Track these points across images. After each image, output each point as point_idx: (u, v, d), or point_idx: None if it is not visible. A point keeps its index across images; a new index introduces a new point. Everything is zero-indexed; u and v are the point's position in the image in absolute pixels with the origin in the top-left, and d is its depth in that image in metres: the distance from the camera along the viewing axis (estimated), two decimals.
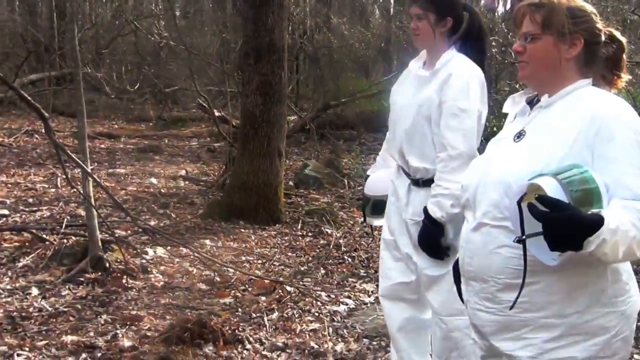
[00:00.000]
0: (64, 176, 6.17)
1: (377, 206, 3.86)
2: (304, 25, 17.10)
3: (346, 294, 5.68)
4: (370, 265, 6.44)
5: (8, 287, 5.41)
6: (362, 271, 6.29)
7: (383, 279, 3.81)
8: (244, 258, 6.51)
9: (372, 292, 5.72)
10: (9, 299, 5.18)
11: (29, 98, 5.95)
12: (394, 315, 3.79)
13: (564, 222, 1.92)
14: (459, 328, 3.40)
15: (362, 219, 4.18)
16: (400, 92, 3.67)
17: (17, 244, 6.33)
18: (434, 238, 3.36)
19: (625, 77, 2.40)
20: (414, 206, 3.52)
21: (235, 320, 4.98)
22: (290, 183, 9.59)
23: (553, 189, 2.00)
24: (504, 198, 2.24)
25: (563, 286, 2.20)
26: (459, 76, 3.32)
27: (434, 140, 3.39)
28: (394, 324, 3.79)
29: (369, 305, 5.46)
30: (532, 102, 2.46)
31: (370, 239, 7.18)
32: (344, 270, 6.30)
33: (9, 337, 4.52)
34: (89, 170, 5.80)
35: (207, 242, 6.90)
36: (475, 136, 3.32)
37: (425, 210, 3.37)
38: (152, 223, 7.34)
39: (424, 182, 3.47)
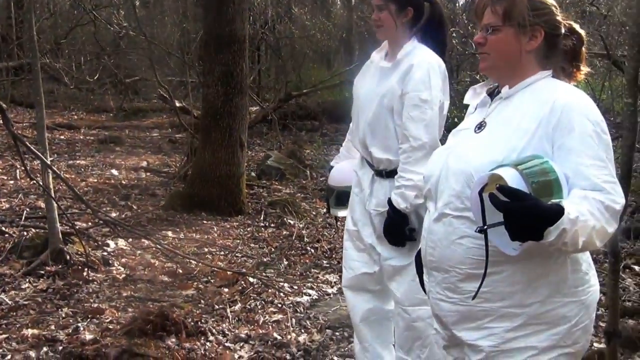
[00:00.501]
0: (23, 168, 6.10)
1: (341, 197, 3.87)
2: (265, 15, 17.06)
3: (309, 285, 5.69)
4: (333, 256, 6.46)
5: None
6: (324, 262, 6.31)
7: (346, 270, 3.82)
8: (206, 249, 6.49)
9: (334, 282, 5.74)
10: None
11: None
12: (357, 306, 3.80)
13: (524, 212, 1.94)
14: (422, 318, 3.43)
15: (326, 210, 4.17)
16: (362, 83, 3.68)
17: None
18: (398, 228, 3.38)
19: (585, 69, 2.43)
20: (378, 197, 3.54)
21: (197, 312, 4.97)
22: (253, 174, 9.59)
23: (514, 179, 2.02)
24: (465, 188, 2.25)
25: (524, 276, 2.23)
26: (420, 67, 3.33)
27: (397, 132, 3.40)
28: (357, 315, 3.80)
29: (331, 296, 5.48)
30: (492, 94, 2.48)
31: (333, 229, 7.20)
32: (307, 261, 6.31)
33: None
34: (49, 162, 5.73)
35: (169, 233, 6.87)
36: (437, 127, 3.34)
37: (390, 201, 3.39)
38: (113, 215, 7.29)
39: (388, 173, 3.48)
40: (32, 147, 5.57)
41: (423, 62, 3.35)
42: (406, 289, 3.45)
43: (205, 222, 7.37)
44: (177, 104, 10.47)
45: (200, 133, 8.33)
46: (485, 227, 2.07)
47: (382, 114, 3.46)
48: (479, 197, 2.09)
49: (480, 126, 2.38)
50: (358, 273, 3.75)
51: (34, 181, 6.10)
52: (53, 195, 5.88)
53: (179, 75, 14.78)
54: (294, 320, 4.97)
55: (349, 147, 3.96)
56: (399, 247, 3.45)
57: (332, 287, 5.67)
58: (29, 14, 6.27)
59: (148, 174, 9.77)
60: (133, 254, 6.18)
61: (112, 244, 6.34)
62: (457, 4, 15.02)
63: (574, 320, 2.27)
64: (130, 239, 6.37)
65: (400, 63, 3.42)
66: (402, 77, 3.37)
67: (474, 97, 2.57)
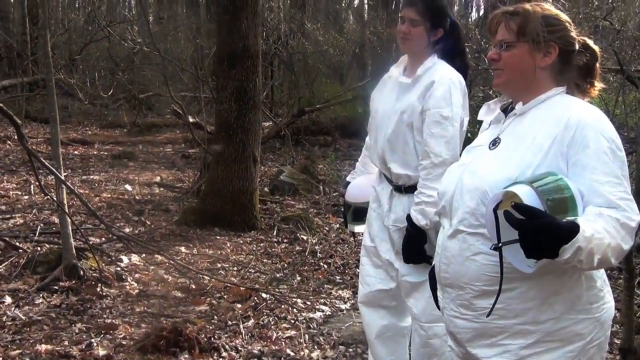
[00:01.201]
0: (37, 183, 6.12)
1: (358, 213, 3.86)
2: (278, 31, 17.12)
3: (322, 300, 5.68)
4: (346, 271, 6.44)
5: None
6: (337, 278, 6.29)
7: (362, 286, 3.82)
8: (219, 265, 6.49)
9: (347, 298, 5.72)
10: None
11: (1, 105, 5.90)
12: (373, 322, 3.79)
13: (540, 230, 1.94)
14: (438, 335, 3.41)
15: (344, 226, 4.16)
16: (381, 99, 3.67)
17: None
18: (417, 245, 3.36)
19: (599, 85, 2.43)
20: (396, 213, 3.52)
21: (211, 327, 4.96)
22: (266, 189, 9.58)
23: (529, 197, 2.01)
24: (480, 205, 2.25)
25: (539, 293, 2.22)
26: (441, 83, 3.33)
27: (417, 148, 3.40)
28: (373, 331, 3.79)
29: (345, 312, 5.47)
30: (506, 110, 2.48)
31: (346, 245, 7.19)
32: (320, 277, 6.30)
33: None
34: (63, 178, 5.75)
35: (182, 249, 6.87)
36: (458, 143, 3.33)
37: (409, 217, 3.37)
38: (127, 230, 7.30)
39: (407, 188, 3.47)
40: (46, 163, 5.61)
41: (444, 78, 3.35)
42: (423, 305, 3.43)
43: (218, 237, 7.37)
44: (191, 120, 10.49)
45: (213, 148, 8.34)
46: (500, 244, 2.07)
47: (401, 130, 3.45)
48: (494, 215, 2.08)
49: (495, 142, 2.37)
50: (374, 289, 3.74)
51: (48, 196, 6.13)
52: (67, 210, 5.90)
53: (192, 91, 14.83)
54: (307, 336, 4.95)
55: (365, 162, 3.96)
56: (416, 264, 3.43)
57: (345, 303, 5.66)
58: (43, 30, 6.30)
59: (161, 189, 9.79)
60: (146, 270, 6.18)
61: (125, 259, 6.34)
62: (470, 19, 15.06)
63: (588, 337, 2.26)
64: (144, 255, 6.38)
65: (420, 79, 3.42)
66: (422, 93, 3.37)
67: (487, 113, 2.57)
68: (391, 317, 3.77)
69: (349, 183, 4.01)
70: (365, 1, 28.32)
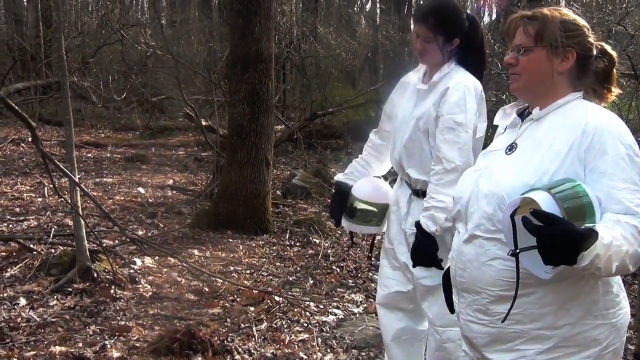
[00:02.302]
0: (52, 186, 6.15)
1: (362, 212, 3.77)
2: (290, 34, 17.14)
3: (335, 304, 5.68)
4: (359, 275, 6.44)
5: None
6: (350, 281, 6.29)
7: (381, 287, 3.82)
8: (232, 268, 6.50)
9: (360, 302, 5.72)
10: None
11: (16, 107, 5.93)
12: (389, 324, 3.79)
13: (558, 237, 1.93)
14: (451, 339, 3.41)
15: (335, 221, 3.93)
16: (401, 104, 3.67)
17: (4, 254, 6.31)
18: (427, 251, 3.35)
19: (616, 90, 2.43)
20: (414, 216, 3.51)
21: (224, 330, 4.97)
22: (278, 192, 9.59)
23: (547, 203, 2.01)
24: (496, 211, 2.25)
25: (555, 298, 2.22)
26: (456, 90, 3.33)
27: (432, 154, 3.39)
28: (389, 333, 3.79)
29: (357, 315, 5.46)
30: (522, 114, 2.47)
31: (359, 249, 7.19)
32: (333, 280, 6.30)
33: None
34: (77, 180, 5.78)
35: (195, 251, 6.89)
36: (471, 150, 3.32)
37: (418, 224, 3.36)
38: (140, 233, 7.33)
39: (424, 192, 3.46)
40: (61, 165, 5.63)
41: (459, 85, 3.34)
42: (438, 309, 3.42)
43: (231, 240, 7.38)
44: (203, 123, 10.52)
45: (226, 151, 8.36)
46: (518, 250, 2.07)
47: (418, 136, 3.46)
48: (511, 221, 2.08)
49: (511, 148, 2.38)
50: (392, 291, 3.74)
51: (63, 199, 6.15)
52: (81, 212, 5.92)
53: (204, 94, 14.86)
54: (319, 339, 4.95)
55: (369, 162, 3.90)
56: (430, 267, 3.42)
57: (357, 306, 5.66)
58: (58, 33, 6.34)
59: (174, 192, 9.81)
60: (160, 272, 6.19)
61: (138, 261, 6.36)
62: (483, 23, 15.03)
63: (604, 342, 2.26)
64: (157, 257, 6.40)
65: (436, 85, 3.43)
66: (437, 99, 3.37)
67: (503, 118, 2.57)
68: (408, 320, 3.77)
69: (342, 182, 3.87)
70: (378, 5, 28.29)
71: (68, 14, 21.27)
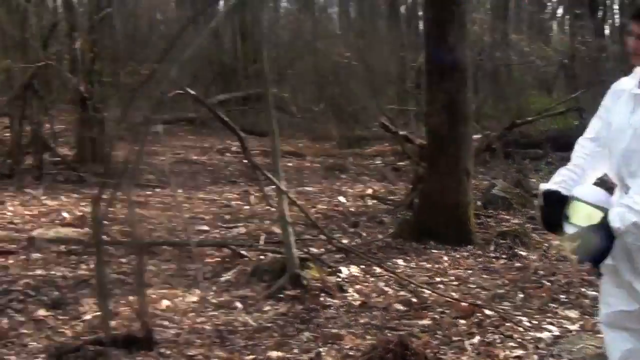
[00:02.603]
0: (258, 194, 6.35)
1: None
2: (482, 42, 16.93)
3: (548, 320, 5.48)
4: (571, 290, 6.18)
5: (214, 301, 5.62)
6: (562, 297, 6.04)
7: (603, 305, 3.63)
8: (438, 279, 6.43)
9: (576, 319, 5.48)
10: (215, 313, 5.38)
11: (227, 119, 6.20)
12: (615, 346, 3.59)
13: None
14: None
15: (548, 227, 3.59)
16: (615, 110, 3.49)
17: (218, 259, 6.57)
18: (598, 247, 3.13)
19: None
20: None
21: (435, 343, 4.91)
22: (478, 203, 9.41)
23: None
24: None
25: None
26: None
27: None
28: (615, 355, 3.59)
29: (574, 333, 5.23)
30: None
31: (568, 262, 6.90)
32: (544, 295, 6.08)
33: (219, 350, 4.69)
34: (284, 189, 5.93)
35: (400, 261, 6.88)
36: None
37: (606, 215, 3.15)
38: (344, 241, 7.41)
39: None
40: (269, 175, 5.81)
41: None
42: None
43: (434, 251, 7.32)
44: (400, 132, 10.54)
45: (427, 161, 8.32)
46: None
47: (637, 145, 3.27)
48: None
49: None
50: (615, 310, 3.54)
51: (271, 207, 6.35)
52: (288, 220, 6.06)
53: (397, 104, 14.92)
54: (536, 356, 4.78)
55: (583, 170, 3.71)
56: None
57: (573, 323, 5.41)
58: (260, 46, 6.58)
59: (374, 201, 9.88)
60: (366, 281, 6.23)
61: (345, 270, 6.42)
62: None
63: None
64: (363, 266, 6.45)
65: None
66: None
67: None
68: (636, 340, 3.56)
69: (555, 190, 3.69)
70: (569, 10, 27.37)
71: (263, 26, 22.00)
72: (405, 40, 18.39)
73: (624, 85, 3.49)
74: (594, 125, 3.65)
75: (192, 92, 6.36)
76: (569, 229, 3.62)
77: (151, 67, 5.71)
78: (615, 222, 3.09)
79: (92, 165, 10.92)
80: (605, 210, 3.53)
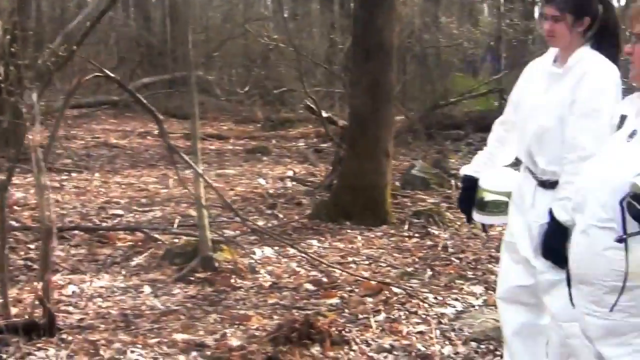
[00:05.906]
0: (177, 177, 6.33)
1: (493, 204, 3.71)
2: (411, 24, 16.99)
3: (454, 296, 5.59)
4: (478, 267, 6.32)
5: (122, 285, 5.60)
6: (469, 273, 6.18)
7: (501, 281, 3.73)
8: (350, 259, 6.50)
9: (480, 294, 5.61)
10: (122, 297, 5.36)
11: (145, 101, 6.14)
12: (510, 319, 3.70)
13: None
14: (576, 335, 3.27)
15: (466, 217, 3.93)
16: (529, 89, 3.55)
17: (130, 243, 6.53)
18: (557, 241, 3.22)
19: None
20: (539, 208, 3.39)
21: (342, 321, 4.97)
22: (397, 183, 9.51)
23: None
24: (611, 199, 2.16)
25: None
26: (593, 75, 3.20)
27: (565, 141, 3.27)
28: (510, 328, 3.70)
29: (477, 308, 5.36)
30: None
31: (478, 240, 7.05)
32: (451, 271, 6.21)
33: (123, 334, 4.66)
34: (201, 172, 5.92)
35: (314, 242, 6.94)
36: (607, 138, 3.18)
37: (551, 212, 3.25)
38: (260, 223, 7.43)
39: (551, 183, 3.33)
40: (186, 158, 5.79)
41: (596, 71, 3.21)
42: (562, 303, 3.27)
43: (349, 231, 7.39)
44: (324, 114, 10.57)
45: (346, 143, 8.38)
46: (625, 236, 1.99)
47: (551, 123, 3.31)
48: (620, 206, 2.01)
49: (632, 135, 2.28)
50: (513, 285, 3.64)
51: (187, 190, 6.32)
52: (204, 203, 6.06)
53: (325, 86, 14.93)
54: (438, 331, 4.88)
55: (494, 154, 3.82)
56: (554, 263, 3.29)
57: (477, 298, 5.54)
58: (184, 28, 6.52)
59: (294, 183, 9.92)
60: (279, 262, 6.28)
61: (258, 252, 6.46)
62: None
63: None
64: (277, 247, 6.48)
65: (571, 70, 3.28)
66: (574, 85, 3.24)
67: (630, 105, 2.47)
68: (529, 314, 3.65)
69: (470, 176, 3.83)
70: None
71: (193, 9, 21.78)
72: (337, 22, 18.39)
73: (538, 64, 3.56)
74: (506, 109, 3.75)
75: (111, 74, 6.26)
76: (477, 217, 3.79)
77: (69, 49, 5.59)
78: (561, 215, 3.14)
79: (5, 149, 10.68)
80: (508, 195, 3.65)
